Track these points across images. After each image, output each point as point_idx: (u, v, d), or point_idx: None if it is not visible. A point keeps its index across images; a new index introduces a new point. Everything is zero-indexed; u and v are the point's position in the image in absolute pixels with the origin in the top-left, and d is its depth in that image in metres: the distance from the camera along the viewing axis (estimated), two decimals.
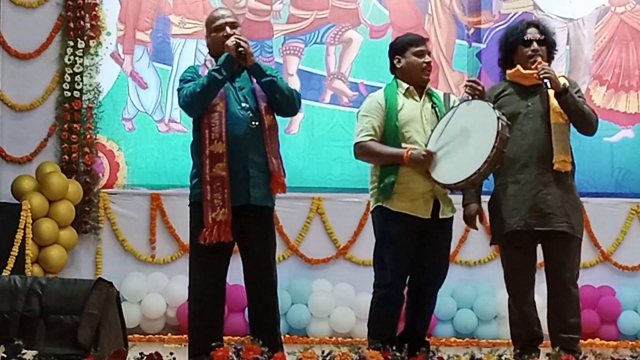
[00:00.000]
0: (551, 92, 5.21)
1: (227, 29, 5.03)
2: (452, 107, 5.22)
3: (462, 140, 5.06)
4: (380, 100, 5.28)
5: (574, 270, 5.25)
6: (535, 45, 5.26)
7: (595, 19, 8.49)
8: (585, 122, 5.25)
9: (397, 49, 5.36)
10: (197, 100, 4.91)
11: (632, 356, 4.78)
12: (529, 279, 5.24)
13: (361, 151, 5.25)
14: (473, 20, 8.45)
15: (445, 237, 5.34)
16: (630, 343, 7.44)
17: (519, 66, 5.26)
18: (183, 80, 5.03)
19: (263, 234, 5.06)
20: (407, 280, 5.29)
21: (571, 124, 5.25)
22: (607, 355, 4.94)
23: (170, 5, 8.34)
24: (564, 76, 5.36)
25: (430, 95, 5.35)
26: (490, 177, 5.30)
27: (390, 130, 5.20)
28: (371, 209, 5.35)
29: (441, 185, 5.10)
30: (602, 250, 8.18)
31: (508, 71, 5.34)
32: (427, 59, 5.33)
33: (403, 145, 5.17)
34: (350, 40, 8.38)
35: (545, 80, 5.11)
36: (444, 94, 5.44)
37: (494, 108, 5.04)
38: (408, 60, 5.31)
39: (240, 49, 4.91)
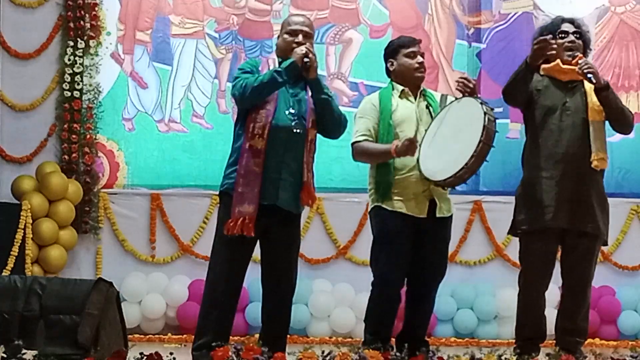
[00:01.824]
0: (589, 89, 5.18)
1: (300, 37, 5.07)
2: (445, 106, 5.25)
3: (452, 137, 5.10)
4: (374, 102, 5.36)
5: (593, 272, 5.26)
6: (571, 37, 5.23)
7: (595, 19, 8.49)
8: (624, 119, 5.23)
9: (390, 52, 5.44)
10: (251, 94, 4.94)
11: (632, 356, 4.79)
12: (547, 278, 5.23)
13: (356, 151, 5.34)
14: (473, 20, 8.45)
15: (442, 236, 5.35)
16: (630, 343, 7.43)
17: (558, 60, 5.22)
18: (242, 70, 5.08)
19: (286, 239, 5.10)
20: (404, 279, 5.31)
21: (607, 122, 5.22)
22: (607, 355, 4.95)
23: (170, 5, 8.34)
24: None
25: (425, 95, 5.38)
26: (518, 177, 5.31)
27: (384, 129, 5.26)
28: (369, 210, 5.38)
29: (432, 183, 5.14)
30: (602, 250, 8.16)
31: (545, 65, 5.28)
32: (419, 59, 5.37)
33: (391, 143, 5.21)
34: (350, 40, 8.37)
35: (590, 75, 5.07)
36: (442, 95, 5.47)
37: (481, 103, 5.05)
38: (400, 62, 5.37)
39: (307, 59, 4.94)
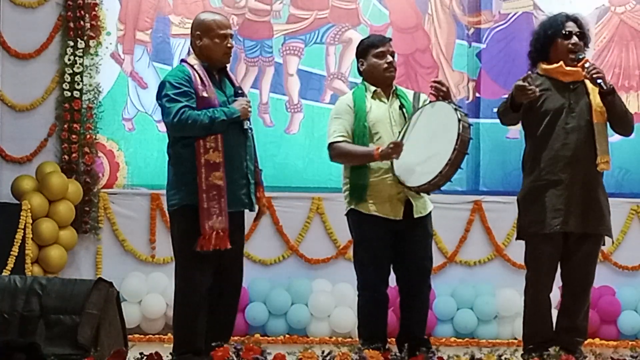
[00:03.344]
0: (592, 90, 5.14)
1: (231, 41, 5.07)
2: (419, 109, 5.24)
3: (426, 143, 5.09)
4: (349, 102, 5.34)
5: (594, 273, 5.26)
6: (575, 38, 5.20)
7: (595, 19, 8.48)
8: (627, 122, 5.23)
9: (359, 52, 5.42)
10: (189, 132, 4.91)
11: (632, 356, 4.79)
12: (552, 281, 5.22)
13: (334, 152, 5.32)
14: (473, 20, 8.44)
15: (423, 234, 5.33)
16: (630, 343, 7.42)
17: (562, 62, 5.18)
18: (177, 88, 4.94)
19: (240, 238, 5.15)
20: (387, 280, 5.31)
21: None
22: (607, 355, 4.95)
23: (170, 5, 8.34)
24: None
25: (398, 95, 5.36)
26: (520, 176, 5.30)
27: (359, 131, 5.25)
28: (345, 212, 5.38)
29: (407, 188, 5.13)
30: (602, 250, 8.16)
31: (546, 66, 5.25)
32: (388, 59, 5.34)
33: (371, 146, 5.21)
34: (350, 40, 8.37)
35: (600, 81, 5.04)
36: (414, 92, 5.46)
37: (455, 110, 5.03)
38: (369, 62, 5.35)
39: (245, 123, 5.01)
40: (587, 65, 5.10)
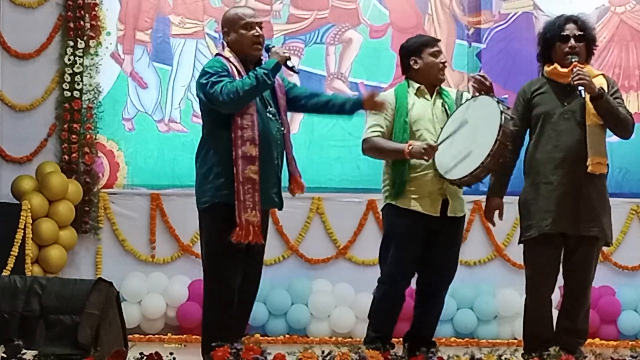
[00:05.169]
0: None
1: (258, 29, 5.02)
2: (461, 104, 5.23)
3: (468, 136, 5.09)
4: (390, 99, 5.31)
5: (593, 274, 5.26)
6: (572, 42, 5.18)
7: (595, 19, 8.48)
8: (621, 125, 5.19)
9: (413, 50, 5.36)
10: (242, 100, 4.85)
11: (632, 356, 4.80)
12: (552, 282, 5.23)
13: (367, 146, 5.30)
14: (473, 20, 8.45)
15: (454, 236, 5.37)
16: (630, 343, 7.42)
17: (556, 64, 5.20)
18: (215, 74, 4.91)
19: (265, 239, 5.10)
20: (410, 279, 5.33)
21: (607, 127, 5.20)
22: (607, 355, 4.96)
23: (170, 5, 8.34)
24: (602, 74, 5.28)
25: (440, 93, 5.36)
26: (521, 176, 5.30)
27: (399, 127, 5.24)
28: (382, 206, 5.38)
29: (448, 181, 5.14)
30: (602, 250, 8.16)
31: (546, 68, 5.27)
32: (442, 59, 5.36)
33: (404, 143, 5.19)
34: (350, 40, 8.38)
35: (580, 88, 5.03)
36: (457, 91, 5.45)
37: (498, 102, 5.04)
38: (426, 61, 5.32)
39: (289, 62, 4.95)
40: (574, 70, 5.09)
